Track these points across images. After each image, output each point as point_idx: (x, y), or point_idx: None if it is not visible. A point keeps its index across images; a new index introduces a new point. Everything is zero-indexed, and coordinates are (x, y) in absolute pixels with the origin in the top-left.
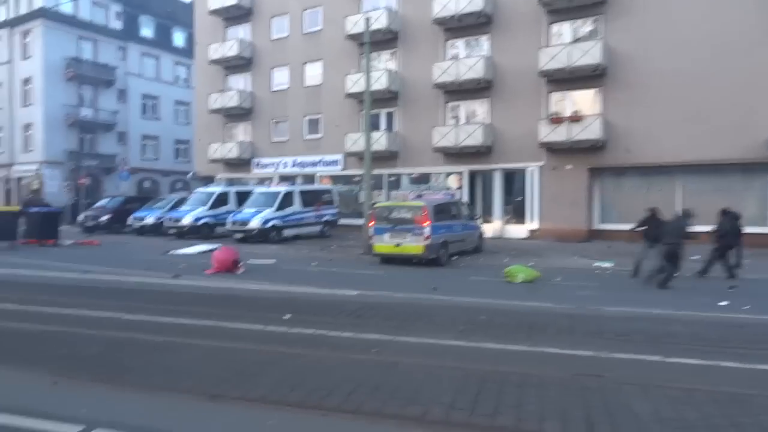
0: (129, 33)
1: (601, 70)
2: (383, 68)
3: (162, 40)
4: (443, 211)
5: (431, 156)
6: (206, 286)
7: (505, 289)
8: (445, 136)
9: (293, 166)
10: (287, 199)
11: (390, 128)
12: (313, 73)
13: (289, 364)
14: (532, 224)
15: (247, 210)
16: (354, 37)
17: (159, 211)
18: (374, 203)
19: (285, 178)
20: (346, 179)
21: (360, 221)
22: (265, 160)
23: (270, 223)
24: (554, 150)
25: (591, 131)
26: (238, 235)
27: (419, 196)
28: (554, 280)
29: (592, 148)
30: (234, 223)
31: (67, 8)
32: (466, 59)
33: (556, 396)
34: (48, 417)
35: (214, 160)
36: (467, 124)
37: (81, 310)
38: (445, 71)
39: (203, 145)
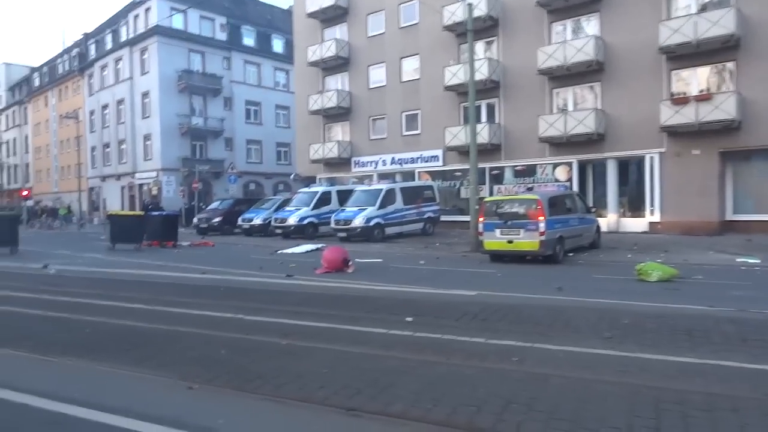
0: (233, 43)
1: (735, 42)
2: (484, 57)
3: (263, 48)
4: (558, 204)
5: (537, 147)
6: (320, 286)
7: (639, 288)
8: (552, 125)
9: (392, 163)
10: (389, 197)
11: (492, 120)
12: (410, 68)
13: (424, 374)
14: (652, 216)
15: (349, 209)
16: (452, 28)
17: (265, 212)
18: (482, 198)
19: (384, 176)
20: (446, 175)
21: (462, 218)
22: (364, 159)
23: (373, 222)
24: (677, 134)
25: (723, 110)
26: (342, 234)
27: (530, 189)
28: (694, 278)
29: (725, 129)
30: (337, 222)
31: (178, 23)
32: (574, 41)
33: (763, 425)
34: (187, 428)
35: (315, 161)
36: (576, 110)
37: (204, 311)
38: (550, 56)
39: (304, 146)
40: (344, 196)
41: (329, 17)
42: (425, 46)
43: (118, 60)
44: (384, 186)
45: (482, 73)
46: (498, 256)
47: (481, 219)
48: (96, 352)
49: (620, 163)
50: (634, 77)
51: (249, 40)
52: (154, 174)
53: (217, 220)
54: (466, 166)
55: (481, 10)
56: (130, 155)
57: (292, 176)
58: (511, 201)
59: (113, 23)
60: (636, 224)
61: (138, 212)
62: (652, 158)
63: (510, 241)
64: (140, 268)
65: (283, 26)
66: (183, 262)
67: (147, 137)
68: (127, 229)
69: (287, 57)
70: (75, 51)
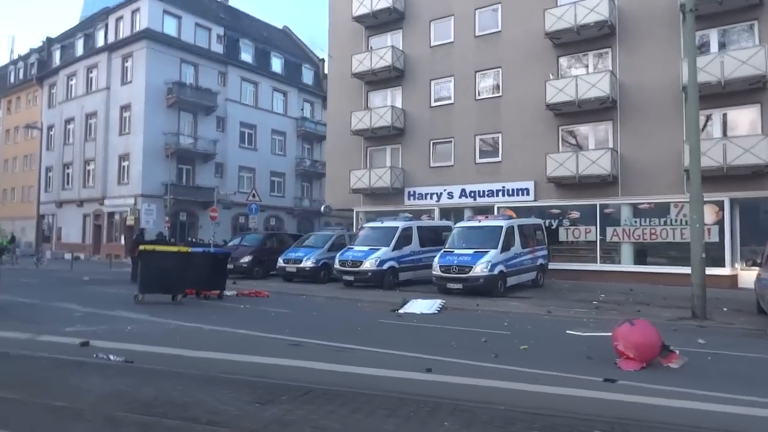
0: (229, 57)
1: None
2: (603, 69)
3: (261, 65)
4: None
5: (671, 180)
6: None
7: None
8: (708, 152)
9: (461, 196)
10: (509, 238)
11: (608, 146)
12: (488, 84)
13: None
14: None
15: (460, 251)
16: (553, 36)
17: (316, 251)
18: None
19: (445, 211)
20: (534, 211)
21: (571, 265)
22: (421, 189)
23: (496, 270)
24: None
25: None
26: (453, 286)
27: None
28: None
29: None
30: (448, 268)
31: (170, 29)
32: (735, 51)
33: None
34: None
35: (356, 190)
36: (737, 136)
37: None
38: (702, 69)
39: (339, 173)
40: (425, 234)
41: (380, 23)
42: (511, 58)
43: (90, 68)
44: (502, 222)
45: (598, 90)
46: None
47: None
48: None
49: None
50: None
51: (247, 56)
52: (130, 201)
53: (246, 260)
54: (567, 202)
55: (600, 14)
56: (100, 178)
57: (323, 208)
58: None
59: (86, 27)
60: None
61: (182, 248)
62: None
63: None
64: (196, 346)
65: (281, 45)
66: (263, 329)
67: (123, 157)
68: (164, 273)
69: (286, 78)
70: (33, 57)
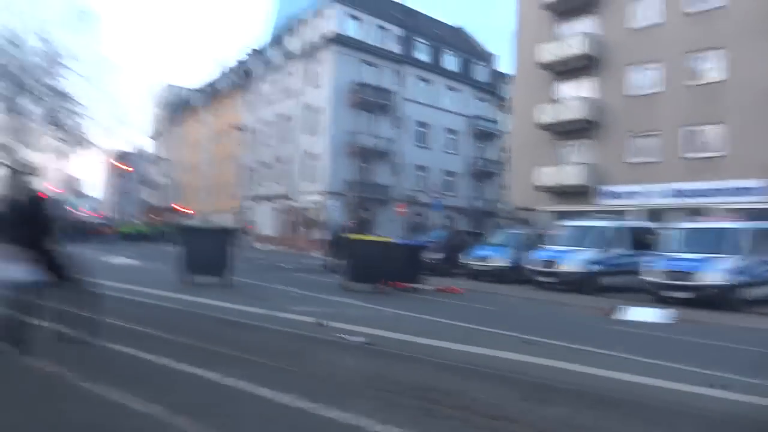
0: (406, 56)
1: None
2: None
3: (436, 64)
4: None
5: None
6: None
7: None
8: None
9: (667, 195)
10: (753, 242)
11: None
12: (706, 67)
13: None
14: None
15: (685, 255)
16: None
17: (507, 250)
18: None
19: (644, 213)
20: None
21: None
22: (616, 188)
23: (738, 279)
24: None
25: None
26: (677, 294)
27: None
28: None
29: None
30: (670, 274)
31: (353, 32)
32: None
33: None
34: None
35: (540, 188)
36: None
37: None
38: None
39: (523, 169)
40: (630, 236)
41: (572, 7)
42: (738, 37)
43: (285, 73)
44: (742, 225)
45: None
46: None
47: None
48: None
49: None
50: None
51: (422, 55)
52: (317, 197)
53: (438, 256)
54: None
55: None
56: (290, 176)
57: (505, 207)
58: None
59: (279, 36)
60: None
61: (384, 239)
62: None
63: None
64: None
65: (455, 43)
66: (509, 327)
67: (312, 156)
68: (367, 263)
69: (460, 75)
70: (237, 67)
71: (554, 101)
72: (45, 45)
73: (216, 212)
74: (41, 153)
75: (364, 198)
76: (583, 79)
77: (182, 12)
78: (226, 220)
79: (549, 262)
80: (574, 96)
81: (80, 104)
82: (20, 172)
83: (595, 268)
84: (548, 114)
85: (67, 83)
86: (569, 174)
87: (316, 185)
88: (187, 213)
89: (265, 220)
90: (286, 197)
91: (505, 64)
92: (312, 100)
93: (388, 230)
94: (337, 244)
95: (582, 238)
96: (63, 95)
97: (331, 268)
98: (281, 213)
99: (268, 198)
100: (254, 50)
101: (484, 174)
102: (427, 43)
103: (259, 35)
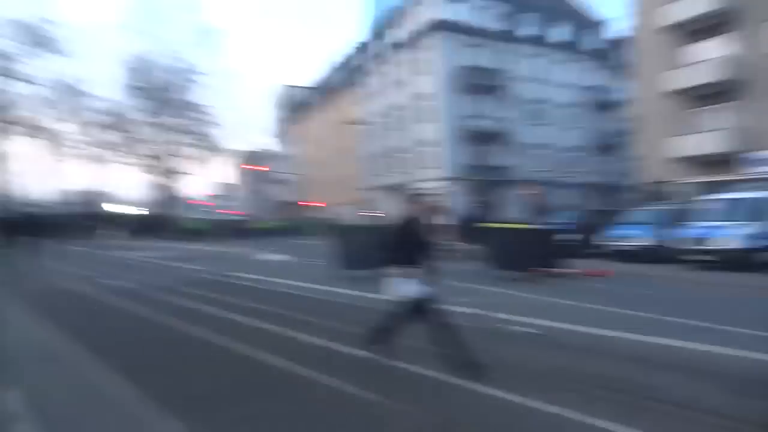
0: (512, 34)
1: None
2: None
3: (545, 39)
4: None
5: None
6: None
7: None
8: None
9: None
10: None
11: None
12: None
13: None
14: None
15: None
16: None
17: (652, 228)
18: None
19: None
20: None
21: None
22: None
23: None
24: None
25: None
26: None
27: None
28: None
29: None
30: None
31: (458, 15)
32: None
33: None
34: None
35: (674, 159)
36: None
37: None
38: None
39: (653, 140)
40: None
41: None
42: None
43: (392, 64)
44: None
45: None
46: None
47: None
48: None
49: None
50: None
51: (528, 29)
52: (436, 183)
53: (574, 238)
54: None
55: None
56: (408, 164)
57: (644, 180)
58: None
59: (379, 28)
60: None
61: (527, 225)
62: None
63: None
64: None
65: (561, 12)
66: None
67: (427, 143)
68: (511, 249)
69: (572, 46)
70: (347, 62)
71: (685, 65)
72: (178, 63)
73: (341, 204)
74: (185, 160)
75: (484, 181)
76: (718, 37)
77: (288, 15)
78: (351, 212)
79: (701, 240)
80: (711, 57)
81: (211, 114)
82: (413, 195)
83: (758, 243)
84: (680, 79)
85: (198, 96)
86: (710, 142)
87: (434, 172)
88: (318, 206)
89: (387, 210)
90: (405, 185)
91: (618, 28)
92: (422, 88)
93: (513, 213)
94: (469, 230)
95: (734, 211)
96: (196, 107)
97: (466, 255)
98: (404, 202)
99: (388, 187)
100: (359, 45)
101: (608, 147)
102: (533, 16)
103: (359, 29)
